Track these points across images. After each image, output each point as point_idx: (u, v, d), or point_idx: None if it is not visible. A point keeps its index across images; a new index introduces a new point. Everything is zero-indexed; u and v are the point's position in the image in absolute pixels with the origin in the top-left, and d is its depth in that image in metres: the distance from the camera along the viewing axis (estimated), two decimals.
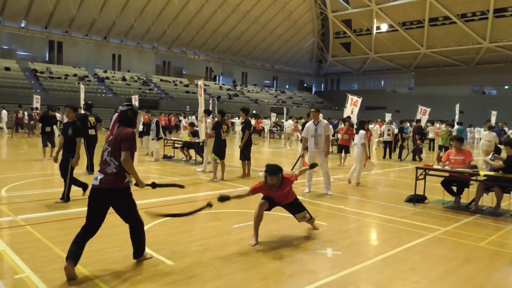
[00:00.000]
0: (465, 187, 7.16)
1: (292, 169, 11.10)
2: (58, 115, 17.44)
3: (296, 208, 4.88)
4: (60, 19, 34.70)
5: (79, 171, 9.62)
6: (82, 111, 10.35)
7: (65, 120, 20.02)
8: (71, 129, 6.50)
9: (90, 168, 9.40)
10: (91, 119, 9.49)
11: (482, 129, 21.62)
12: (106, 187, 3.54)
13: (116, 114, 3.74)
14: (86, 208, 3.69)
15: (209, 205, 4.19)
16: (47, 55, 36.17)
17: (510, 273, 4.19)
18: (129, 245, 4.40)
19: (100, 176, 3.56)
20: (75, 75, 33.90)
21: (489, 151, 11.36)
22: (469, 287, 3.66)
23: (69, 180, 6.37)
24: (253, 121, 23.47)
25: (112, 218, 5.53)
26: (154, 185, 3.85)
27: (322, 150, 7.79)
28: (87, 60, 37.74)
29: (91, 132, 9.47)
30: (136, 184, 3.76)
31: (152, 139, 12.58)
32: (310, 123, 8.02)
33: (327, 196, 7.69)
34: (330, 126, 9.93)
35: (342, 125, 13.94)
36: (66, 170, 6.35)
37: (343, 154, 13.09)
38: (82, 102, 15.44)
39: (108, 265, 3.84)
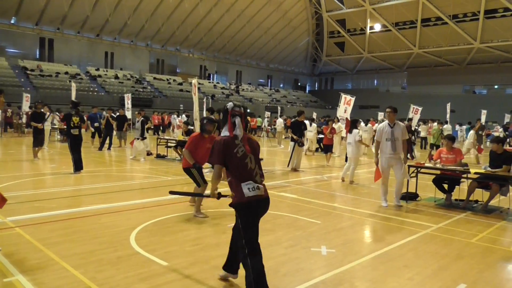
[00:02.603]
0: (456, 185, 7.26)
1: (288, 165, 11.13)
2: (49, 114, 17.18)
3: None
4: (52, 16, 34.22)
5: (65, 170, 9.49)
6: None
7: (55, 119, 19.37)
8: None
9: (76, 168, 9.12)
10: (75, 119, 9.30)
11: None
12: (268, 196, 3.31)
13: (237, 117, 3.26)
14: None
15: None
16: (38, 53, 35.68)
17: (502, 269, 4.25)
18: (122, 246, 4.36)
19: (260, 186, 3.22)
20: (66, 73, 33.51)
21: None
22: (462, 283, 3.70)
23: None
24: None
25: (106, 219, 5.51)
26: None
27: (399, 156, 6.84)
28: (79, 57, 37.33)
29: (74, 132, 9.27)
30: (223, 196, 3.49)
31: (137, 139, 12.41)
32: (384, 125, 6.95)
33: (383, 209, 6.73)
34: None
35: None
36: None
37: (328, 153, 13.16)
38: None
39: (101, 266, 3.80)
